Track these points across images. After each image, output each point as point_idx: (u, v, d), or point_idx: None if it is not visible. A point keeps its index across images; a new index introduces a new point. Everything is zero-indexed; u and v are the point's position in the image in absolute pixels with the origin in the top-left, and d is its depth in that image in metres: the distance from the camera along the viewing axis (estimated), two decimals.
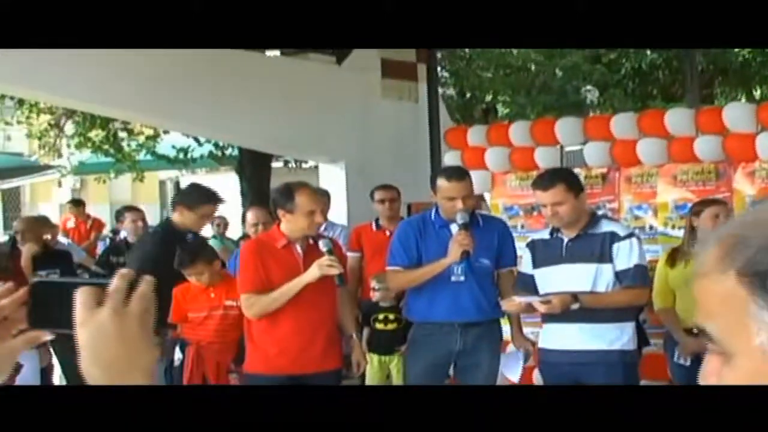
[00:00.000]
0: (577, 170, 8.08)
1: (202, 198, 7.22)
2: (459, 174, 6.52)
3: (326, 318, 6.22)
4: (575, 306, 5.74)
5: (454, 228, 6.31)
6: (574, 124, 8.78)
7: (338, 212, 10.87)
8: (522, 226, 8.64)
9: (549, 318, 6.00)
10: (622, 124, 8.37)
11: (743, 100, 19.10)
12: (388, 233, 8.01)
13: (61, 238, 13.41)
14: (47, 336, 1.68)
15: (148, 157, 16.98)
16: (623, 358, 5.87)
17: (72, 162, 18.50)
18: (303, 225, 6.06)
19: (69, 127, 16.70)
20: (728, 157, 7.78)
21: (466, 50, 17.36)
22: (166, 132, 16.42)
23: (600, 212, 7.65)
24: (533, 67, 18.92)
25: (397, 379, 8.11)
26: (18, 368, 5.89)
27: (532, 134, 8.83)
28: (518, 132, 8.91)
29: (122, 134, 16.45)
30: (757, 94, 20.73)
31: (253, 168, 13.84)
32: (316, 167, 13.36)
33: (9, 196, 25.66)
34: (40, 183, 24.46)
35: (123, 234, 10.31)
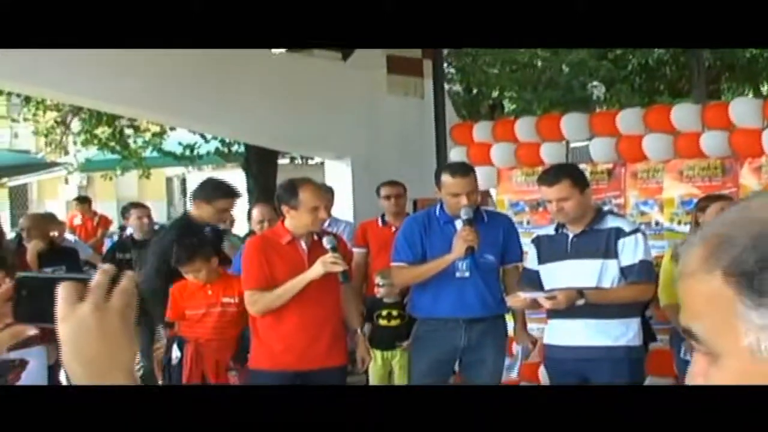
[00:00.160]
0: (582, 166, 8.07)
1: (220, 192, 7.31)
2: (463, 170, 6.52)
3: (331, 314, 6.21)
4: (580, 302, 5.73)
5: (458, 224, 6.30)
6: (579, 119, 8.77)
7: (344, 208, 10.89)
8: (528, 222, 8.63)
9: (554, 314, 5.98)
10: (628, 119, 8.36)
11: (750, 95, 19.06)
12: (393, 229, 8.00)
13: (68, 235, 13.44)
14: (32, 330, 1.68)
15: (155, 154, 17.00)
16: (629, 354, 5.85)
17: (78, 159, 18.52)
18: (307, 221, 6.05)
19: (75, 124, 16.73)
20: (734, 153, 7.76)
21: None
22: (172, 129, 16.44)
23: (606, 208, 7.64)
24: (540, 63, 18.88)
25: (399, 375, 8.11)
26: (23, 365, 5.89)
27: (538, 130, 8.82)
28: (524, 128, 8.90)
29: (128, 131, 16.47)
30: (764, 89, 20.70)
31: (259, 165, 13.84)
32: (323, 163, 13.37)
33: (16, 193, 25.70)
34: (47, 180, 24.50)
35: (129, 230, 10.31)
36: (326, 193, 6.74)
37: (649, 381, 6.34)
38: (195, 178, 26.96)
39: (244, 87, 10.34)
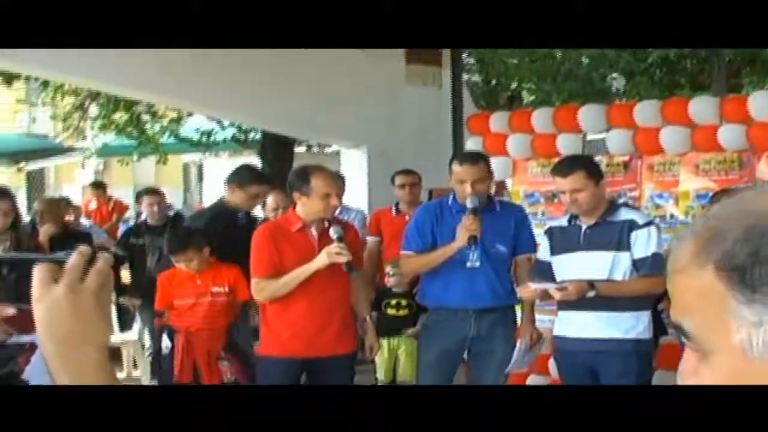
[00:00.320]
0: (598, 158, 8.03)
1: (253, 178, 7.45)
2: (471, 158, 6.51)
3: (340, 301, 6.21)
4: (591, 293, 5.70)
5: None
6: (597, 111, 8.71)
7: (359, 197, 10.88)
8: (543, 213, 8.59)
9: (565, 306, 5.96)
10: (645, 111, 8.30)
11: None
12: (407, 218, 7.98)
13: (83, 220, 13.49)
14: (10, 310, 1.71)
15: (172, 139, 17.01)
16: (638, 347, 5.82)
17: (96, 144, 18.54)
18: (318, 208, 6.04)
19: (93, 110, 16.73)
20: (752, 146, 7.70)
21: None
22: (189, 115, 16.46)
23: (621, 200, 7.60)
24: (559, 55, 18.80)
25: (404, 363, 8.11)
26: (34, 348, 5.89)
27: (555, 121, 8.77)
28: (541, 119, 8.85)
29: (146, 117, 16.47)
30: None
31: (275, 152, 13.83)
32: (339, 152, 13.35)
33: (34, 177, 25.77)
34: (65, 165, 24.54)
35: (143, 216, 10.32)
36: (338, 181, 6.75)
37: (659, 375, 6.31)
38: (211, 164, 27.06)
39: (262, 74, 10.32)
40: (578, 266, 5.90)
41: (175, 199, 24.93)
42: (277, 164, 13.65)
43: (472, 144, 9.28)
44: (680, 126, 8.03)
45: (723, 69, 14.30)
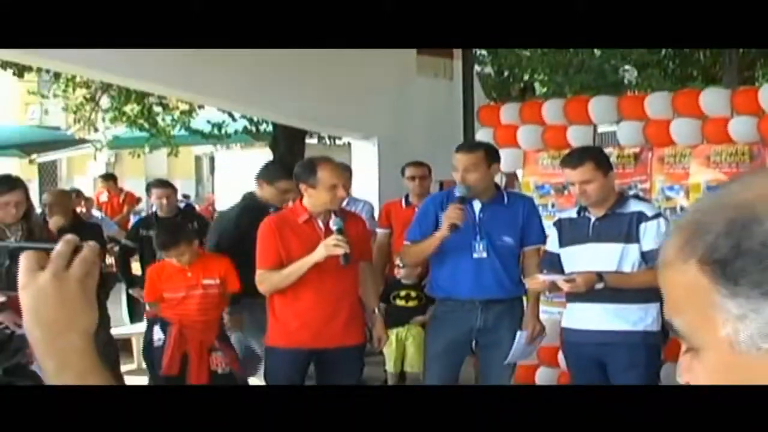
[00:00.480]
0: (609, 150, 8.01)
1: (282, 173, 7.42)
2: (466, 147, 6.53)
3: (348, 293, 6.20)
4: (600, 285, 5.68)
5: (476, 205, 6.28)
6: (608, 102, 8.69)
7: (370, 188, 10.87)
8: (553, 205, 8.57)
9: (573, 297, 5.95)
10: (656, 103, 8.27)
11: None
12: (416, 210, 7.97)
13: (95, 212, 13.52)
14: (1, 297, 1.73)
15: (183, 132, 17.03)
16: (646, 340, 5.80)
17: (107, 136, 18.57)
18: (325, 199, 6.03)
19: (105, 101, 16.76)
20: (763, 139, 7.67)
21: None
22: (201, 107, 16.46)
23: (631, 192, 7.58)
24: None
25: (413, 354, 8.12)
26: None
27: (566, 112, 8.74)
28: (551, 110, 8.82)
29: (157, 109, 16.48)
30: None
31: (287, 144, 13.83)
32: (350, 144, 13.34)
33: (46, 169, 25.84)
34: (76, 157, 24.60)
35: (154, 207, 10.31)
36: (345, 172, 6.74)
37: (668, 367, 6.28)
38: (223, 156, 27.12)
39: (273, 66, 10.30)
40: (587, 258, 5.88)
41: (187, 191, 25.00)
42: (289, 156, 13.64)
43: (482, 135, 9.26)
44: (691, 118, 8.00)
45: (735, 61, 14.26)
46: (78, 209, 11.22)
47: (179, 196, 21.01)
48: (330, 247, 5.86)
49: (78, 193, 13.03)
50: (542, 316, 6.64)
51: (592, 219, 5.93)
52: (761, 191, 1.08)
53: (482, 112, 9.71)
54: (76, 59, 9.69)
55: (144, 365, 10.05)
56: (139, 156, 19.20)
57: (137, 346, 10.19)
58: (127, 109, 16.15)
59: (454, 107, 11.13)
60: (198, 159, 29.94)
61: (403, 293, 8.23)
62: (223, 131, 16.14)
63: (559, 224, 6.19)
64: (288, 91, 10.65)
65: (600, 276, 5.69)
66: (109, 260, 10.10)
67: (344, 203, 6.96)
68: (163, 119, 16.81)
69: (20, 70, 14.97)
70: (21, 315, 1.57)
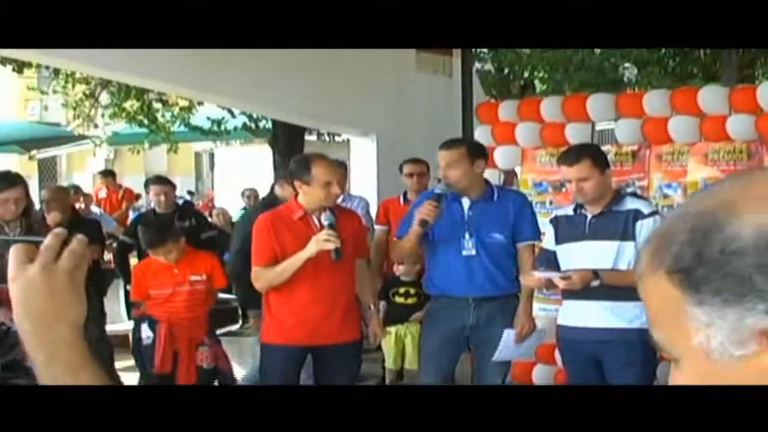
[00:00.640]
0: (607, 147, 8.02)
1: None
2: (447, 144, 6.48)
3: (344, 289, 6.19)
4: (596, 283, 5.68)
5: (465, 202, 6.28)
6: (606, 100, 8.69)
7: (368, 185, 10.87)
8: (551, 203, 8.57)
9: (569, 295, 5.94)
10: (654, 101, 8.28)
11: None
12: None
13: (94, 208, 13.52)
14: None
15: (183, 128, 17.02)
16: (642, 337, 5.77)
17: (106, 132, 18.57)
18: (320, 196, 6.02)
19: (104, 98, 16.76)
20: (761, 137, 7.67)
21: None
22: (200, 103, 16.45)
23: (629, 190, 7.58)
24: None
25: (411, 352, 8.13)
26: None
27: (564, 110, 8.74)
28: (550, 107, 8.83)
29: (157, 105, 16.48)
30: None
31: (286, 141, 13.83)
32: (349, 140, 13.34)
33: (45, 165, 25.83)
34: (76, 153, 24.59)
35: (152, 204, 10.31)
36: (339, 169, 6.74)
37: (664, 365, 6.27)
38: (223, 153, 27.13)
39: (272, 63, 10.29)
40: (583, 255, 5.87)
41: (188, 187, 24.99)
42: (288, 153, 13.65)
43: (480, 132, 9.27)
44: (689, 116, 8.01)
45: (734, 59, 14.25)
46: (77, 205, 11.22)
47: (184, 193, 20.99)
48: (321, 242, 5.85)
49: (77, 189, 13.02)
50: (540, 314, 6.64)
51: (589, 216, 5.93)
52: (722, 198, 1.09)
53: (481, 109, 9.72)
54: (75, 56, 9.69)
55: None
56: (138, 152, 19.19)
57: None
58: (127, 105, 16.14)
59: (453, 104, 11.13)
60: (198, 155, 29.94)
61: (402, 290, 8.24)
62: (222, 128, 16.15)
63: (555, 221, 6.18)
64: (287, 87, 10.65)
65: (596, 273, 5.68)
66: (107, 256, 10.11)
67: (340, 200, 6.96)
68: (163, 115, 16.80)
69: (20, 66, 14.98)
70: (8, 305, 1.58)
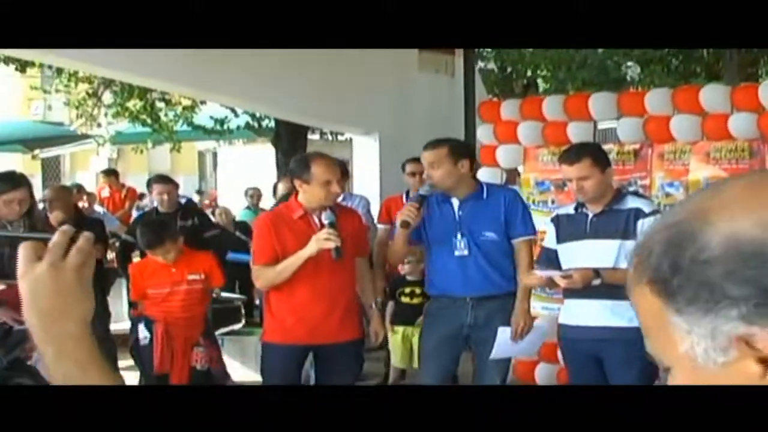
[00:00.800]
0: (609, 146, 8.02)
1: None
2: (430, 144, 6.41)
3: (344, 288, 6.19)
4: (596, 281, 5.67)
5: (455, 202, 6.27)
6: (608, 99, 8.70)
7: (371, 184, 10.88)
8: (553, 202, 8.58)
9: (570, 294, 5.94)
10: (656, 99, 8.28)
11: None
12: None
13: (97, 207, 13.54)
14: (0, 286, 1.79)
15: (186, 127, 17.03)
16: (642, 336, 5.78)
17: (109, 132, 18.58)
18: (320, 195, 6.01)
19: (107, 97, 16.77)
20: (763, 135, 7.67)
21: None
22: (203, 103, 16.46)
23: (631, 188, 7.58)
24: None
25: (418, 352, 8.12)
26: (31, 343, 5.92)
27: (566, 109, 8.75)
28: (552, 106, 8.84)
29: (160, 104, 16.50)
30: None
31: (289, 140, 13.84)
32: (352, 140, 13.35)
33: (49, 164, 25.86)
34: (79, 152, 24.60)
35: (155, 203, 10.33)
36: (339, 167, 6.73)
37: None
38: (226, 152, 27.12)
39: (275, 62, 10.30)
40: (584, 254, 5.86)
41: (191, 186, 24.99)
42: (291, 152, 13.65)
43: (482, 132, 9.29)
44: (691, 114, 8.01)
45: (736, 58, 14.23)
46: (80, 204, 11.24)
47: (192, 193, 20.98)
48: (321, 240, 5.85)
49: (80, 189, 13.06)
50: (542, 313, 6.62)
51: (590, 215, 5.93)
52: (696, 208, 1.10)
53: (483, 108, 9.73)
54: (77, 55, 9.71)
55: None
56: (142, 152, 19.19)
57: None
58: (130, 104, 16.15)
59: (455, 103, 11.15)
60: (201, 155, 29.93)
61: (407, 290, 8.26)
62: (225, 127, 16.17)
63: (556, 220, 6.18)
64: (290, 87, 10.66)
65: (597, 272, 5.68)
66: (110, 255, 10.12)
67: (340, 198, 6.95)
68: (166, 115, 16.81)
69: (23, 66, 15.00)
70: (19, 311, 1.61)
